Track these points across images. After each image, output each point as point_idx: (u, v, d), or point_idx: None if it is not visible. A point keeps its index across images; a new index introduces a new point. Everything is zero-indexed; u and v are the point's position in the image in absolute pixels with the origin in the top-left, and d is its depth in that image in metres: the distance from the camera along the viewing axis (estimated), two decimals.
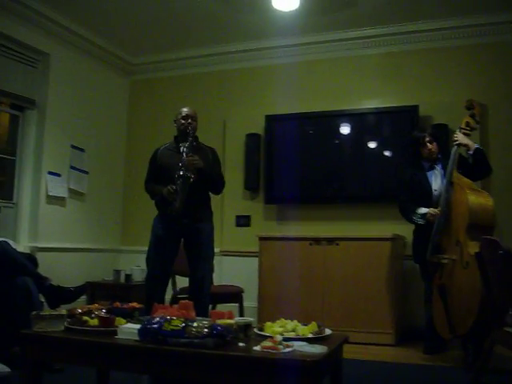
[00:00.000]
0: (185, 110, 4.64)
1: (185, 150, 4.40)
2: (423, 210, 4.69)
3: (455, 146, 4.59)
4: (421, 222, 4.71)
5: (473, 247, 4.04)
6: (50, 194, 6.07)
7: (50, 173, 6.09)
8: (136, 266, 6.31)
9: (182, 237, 4.54)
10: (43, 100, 6.11)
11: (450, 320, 4.23)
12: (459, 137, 4.59)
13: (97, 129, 6.88)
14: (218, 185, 4.72)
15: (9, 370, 3.65)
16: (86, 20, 6.29)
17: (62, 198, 6.29)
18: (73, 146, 6.45)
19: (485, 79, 5.91)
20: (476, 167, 4.55)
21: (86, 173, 6.63)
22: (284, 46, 6.69)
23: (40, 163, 6.03)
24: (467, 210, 4.23)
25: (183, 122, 4.55)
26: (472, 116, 4.68)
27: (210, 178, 4.56)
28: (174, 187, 4.28)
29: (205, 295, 4.49)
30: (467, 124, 4.66)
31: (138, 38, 6.78)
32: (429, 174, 4.87)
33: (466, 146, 4.58)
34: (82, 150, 6.57)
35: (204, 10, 5.96)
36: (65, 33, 6.30)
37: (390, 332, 5.27)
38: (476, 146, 4.62)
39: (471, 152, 4.56)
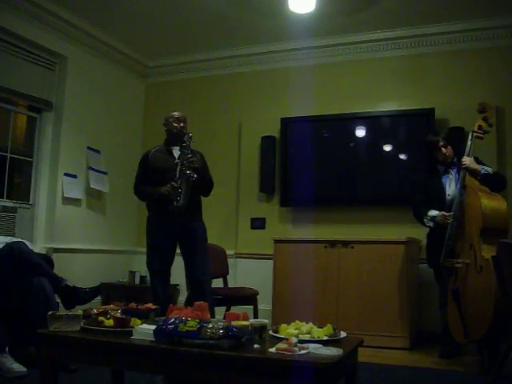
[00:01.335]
0: (175, 113, 4.74)
1: (184, 150, 4.50)
2: (434, 213, 4.69)
3: (463, 170, 4.52)
4: (430, 224, 4.72)
5: (486, 251, 4.03)
6: (66, 196, 6.11)
7: (67, 174, 6.14)
8: None
9: (177, 236, 4.59)
10: (60, 102, 6.17)
11: (464, 324, 4.19)
12: (467, 161, 4.49)
13: (113, 131, 6.91)
14: (209, 186, 4.79)
15: (25, 369, 3.67)
16: (103, 23, 6.34)
17: (78, 200, 6.33)
18: (89, 148, 6.49)
19: (502, 82, 5.87)
20: (487, 186, 4.50)
21: (105, 173, 6.68)
22: (300, 49, 6.70)
23: (56, 165, 6.09)
24: (480, 214, 4.20)
25: (176, 125, 4.66)
26: (484, 119, 4.63)
27: (204, 179, 4.65)
28: (178, 184, 4.38)
29: (208, 294, 4.53)
30: (479, 127, 4.61)
31: (154, 40, 6.81)
32: (443, 178, 4.85)
33: (474, 170, 4.51)
34: (98, 151, 6.61)
35: (220, 13, 5.98)
36: (82, 36, 6.36)
37: (405, 336, 5.23)
38: (483, 171, 4.52)
39: (479, 178, 4.49)
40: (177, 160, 4.54)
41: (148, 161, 4.70)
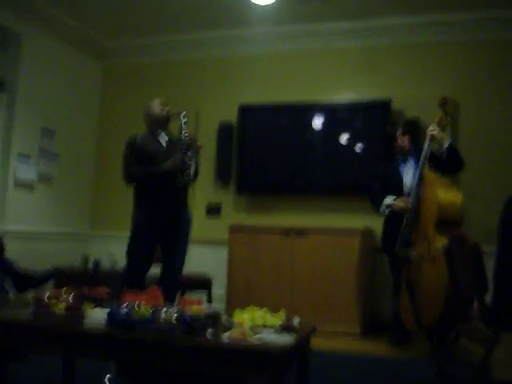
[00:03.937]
0: (158, 99, 4.66)
1: (183, 126, 4.43)
2: (389, 201, 4.75)
3: (428, 138, 4.57)
4: (386, 212, 4.80)
5: (440, 242, 4.10)
6: (19, 177, 5.98)
7: (20, 155, 6.00)
8: (106, 252, 6.24)
9: (164, 224, 4.48)
10: (14, 82, 6.00)
11: (416, 312, 4.28)
12: (435, 131, 4.55)
13: (68, 111, 6.77)
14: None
15: None
16: (60, 0, 6.17)
17: (31, 181, 6.19)
18: (43, 129, 6.36)
19: (457, 76, 5.97)
20: (449, 162, 4.58)
21: (56, 156, 6.54)
22: (260, 36, 6.67)
23: (9, 145, 5.94)
24: (436, 206, 4.28)
25: (163, 108, 4.58)
26: (445, 113, 4.71)
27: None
28: (188, 156, 4.35)
29: (177, 283, 4.49)
30: (440, 120, 4.69)
31: (112, 21, 6.66)
32: (401, 167, 4.92)
33: (441, 139, 4.57)
34: (52, 132, 6.48)
35: None
36: (37, 13, 6.17)
37: (356, 323, 5.31)
38: (450, 140, 4.63)
39: (445, 147, 4.54)
40: (166, 142, 4.55)
41: (137, 145, 4.54)
